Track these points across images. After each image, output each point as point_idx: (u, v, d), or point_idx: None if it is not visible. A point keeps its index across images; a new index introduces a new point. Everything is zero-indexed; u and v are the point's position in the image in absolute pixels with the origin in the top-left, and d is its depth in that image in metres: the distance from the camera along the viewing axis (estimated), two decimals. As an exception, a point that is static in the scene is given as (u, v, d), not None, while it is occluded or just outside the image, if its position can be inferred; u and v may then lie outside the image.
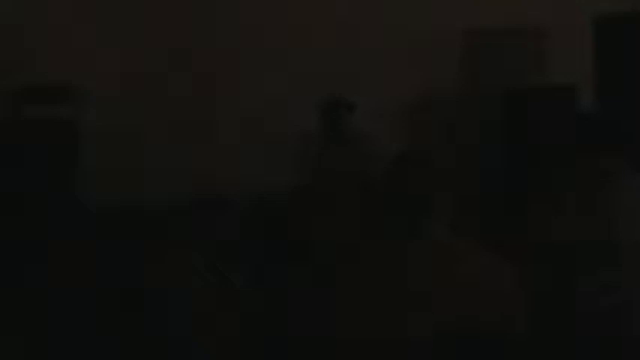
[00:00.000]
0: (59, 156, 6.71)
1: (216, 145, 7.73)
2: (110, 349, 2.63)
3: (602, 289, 3.05)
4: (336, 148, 6.29)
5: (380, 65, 7.79)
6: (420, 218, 2.65)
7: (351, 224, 4.66)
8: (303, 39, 7.72)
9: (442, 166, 2.67)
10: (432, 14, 7.80)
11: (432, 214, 2.66)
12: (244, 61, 7.71)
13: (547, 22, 7.74)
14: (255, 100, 7.70)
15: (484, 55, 7.95)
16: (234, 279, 2.79)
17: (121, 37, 7.53)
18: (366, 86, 7.40)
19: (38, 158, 6.59)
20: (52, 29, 7.31)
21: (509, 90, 6.96)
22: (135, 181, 7.32)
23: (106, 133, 7.42)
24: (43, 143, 6.72)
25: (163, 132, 7.57)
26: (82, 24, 7.35)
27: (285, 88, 7.67)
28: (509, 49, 7.75)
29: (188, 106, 7.70)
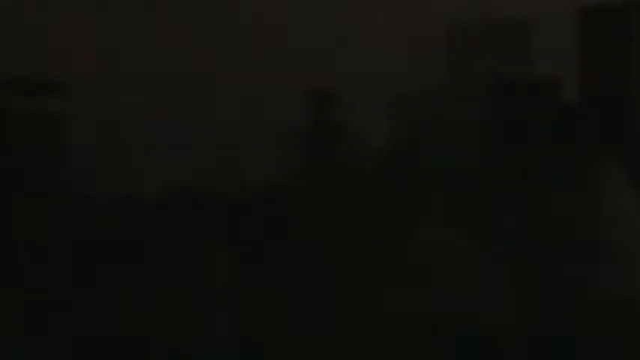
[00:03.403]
0: (44, 150, 6.68)
1: (198, 139, 7.72)
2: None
3: (585, 283, 3.05)
4: (321, 142, 6.28)
5: (366, 59, 7.78)
6: (413, 214, 2.64)
7: (336, 219, 4.63)
8: (287, 33, 7.70)
9: (432, 160, 2.65)
10: (417, 7, 7.80)
11: (425, 210, 2.65)
12: (224, 55, 7.69)
13: (534, 15, 7.75)
14: (239, 95, 7.68)
15: (469, 48, 7.95)
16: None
17: (107, 31, 7.49)
18: (351, 80, 7.40)
19: (22, 152, 6.55)
20: (36, 23, 7.25)
21: (494, 83, 6.96)
22: (120, 176, 7.30)
23: (92, 127, 7.39)
24: (26, 136, 6.68)
25: (147, 127, 7.54)
26: (66, 17, 7.29)
27: (268, 83, 7.65)
28: (495, 43, 7.76)
29: (171, 102, 7.69)
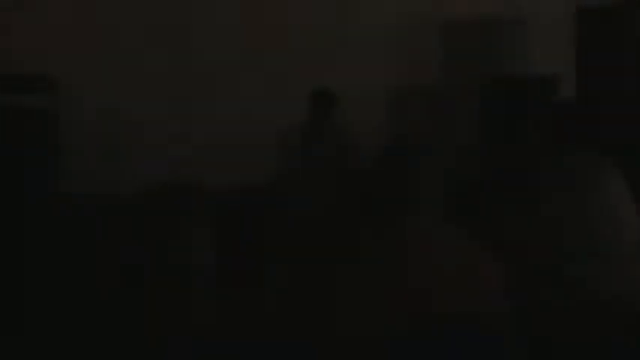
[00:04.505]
0: (34, 148, 6.62)
1: (195, 136, 7.68)
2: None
3: (583, 284, 3.03)
4: (318, 142, 6.24)
5: (358, 56, 7.75)
6: (407, 213, 2.61)
7: (330, 220, 4.63)
8: (282, 30, 7.67)
9: (432, 157, 2.63)
10: (410, 3, 7.76)
11: (420, 208, 2.62)
12: (223, 51, 7.66)
13: (528, 11, 7.71)
14: (236, 93, 7.65)
15: (462, 44, 7.92)
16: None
17: (101, 25, 7.46)
18: (345, 77, 7.37)
19: (12, 150, 6.49)
20: (28, 15, 7.23)
21: (487, 80, 6.93)
22: (113, 174, 7.26)
23: (87, 125, 7.35)
24: (17, 134, 6.63)
25: (146, 126, 7.52)
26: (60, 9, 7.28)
27: (267, 81, 7.61)
28: (488, 38, 7.73)
29: (168, 99, 7.65)
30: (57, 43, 7.30)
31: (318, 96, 6.20)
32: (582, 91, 6.28)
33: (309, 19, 7.58)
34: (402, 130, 7.68)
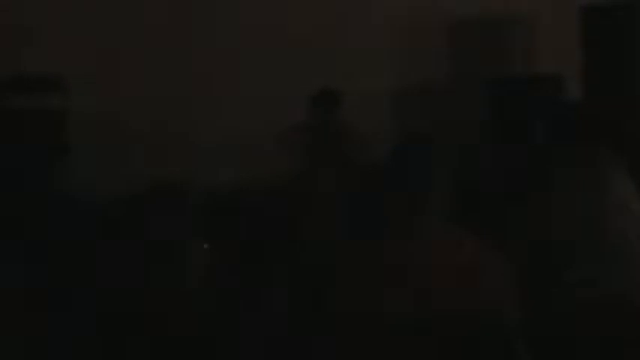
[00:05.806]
0: (45, 148, 6.61)
1: (196, 135, 7.66)
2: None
3: (586, 284, 3.00)
4: (323, 142, 6.22)
5: (360, 55, 7.73)
6: (412, 213, 2.58)
7: (334, 219, 4.59)
8: (284, 28, 7.66)
9: (437, 157, 2.60)
10: (412, 2, 7.75)
11: (426, 208, 2.60)
12: (223, 51, 7.65)
13: (534, 10, 7.68)
14: (237, 93, 7.63)
15: (465, 43, 7.90)
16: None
17: (103, 28, 7.46)
18: (347, 76, 7.35)
19: (22, 151, 6.48)
20: (38, 16, 7.23)
21: (490, 79, 6.90)
22: (115, 176, 7.25)
23: (88, 125, 7.35)
24: (27, 135, 6.62)
25: (147, 126, 7.51)
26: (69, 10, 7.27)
27: (265, 81, 7.60)
28: (491, 37, 7.70)
29: (169, 101, 7.65)
30: (58, 43, 7.29)
31: (322, 96, 6.17)
32: (586, 90, 6.25)
33: (310, 18, 7.57)
34: (404, 129, 7.66)
